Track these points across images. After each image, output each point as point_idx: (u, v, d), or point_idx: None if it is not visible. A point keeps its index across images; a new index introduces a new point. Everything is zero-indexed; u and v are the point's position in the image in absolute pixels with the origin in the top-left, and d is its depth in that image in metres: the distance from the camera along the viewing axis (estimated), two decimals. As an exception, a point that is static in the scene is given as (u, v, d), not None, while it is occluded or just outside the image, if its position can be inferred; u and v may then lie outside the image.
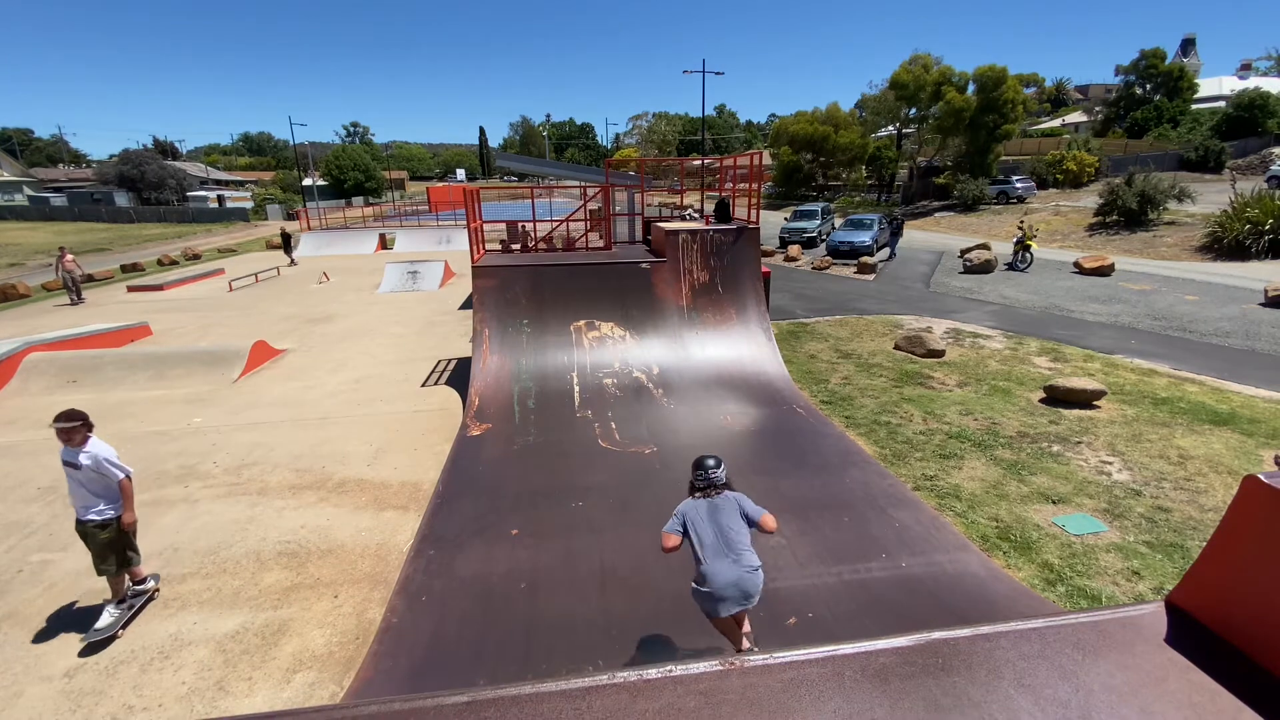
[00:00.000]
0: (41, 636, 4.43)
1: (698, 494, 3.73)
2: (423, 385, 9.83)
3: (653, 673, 2.43)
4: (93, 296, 19.45)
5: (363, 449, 7.46)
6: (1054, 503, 6.04)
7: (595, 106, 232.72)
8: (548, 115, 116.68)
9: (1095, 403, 8.40)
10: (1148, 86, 45.95)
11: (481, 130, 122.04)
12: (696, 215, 13.48)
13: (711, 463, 3.75)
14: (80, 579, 5.05)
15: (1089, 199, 29.60)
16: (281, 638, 4.38)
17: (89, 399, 9.37)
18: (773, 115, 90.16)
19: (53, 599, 4.84)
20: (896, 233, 23.76)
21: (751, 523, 3.64)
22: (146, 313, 15.36)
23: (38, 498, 6.41)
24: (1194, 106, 44.77)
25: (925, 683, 2.28)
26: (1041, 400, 8.64)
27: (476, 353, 8.99)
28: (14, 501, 6.35)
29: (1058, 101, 65.46)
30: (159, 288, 19.82)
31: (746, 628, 3.72)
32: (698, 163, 30.69)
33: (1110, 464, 6.82)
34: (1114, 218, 25.11)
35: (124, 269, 25.10)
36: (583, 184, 15.66)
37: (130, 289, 20.11)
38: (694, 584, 3.49)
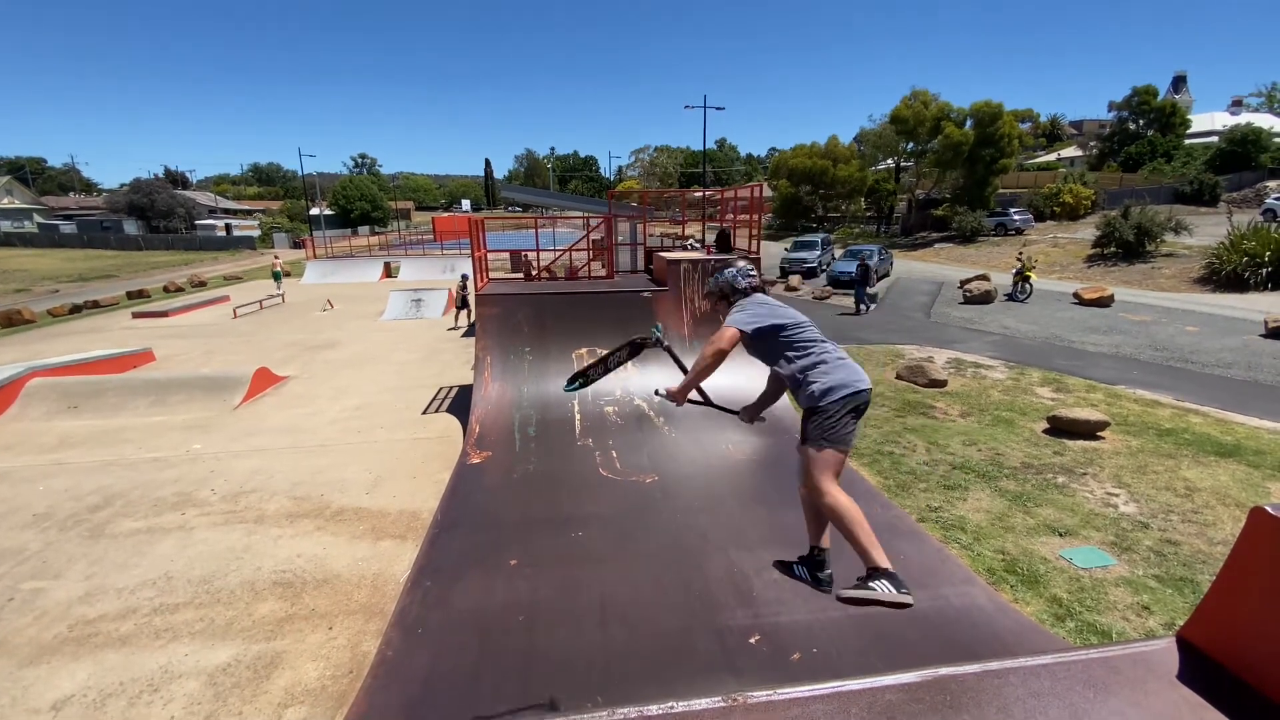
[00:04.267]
0: (30, 667, 4.34)
1: (751, 291, 3.27)
2: (424, 412, 9.82)
3: (654, 709, 2.36)
4: (98, 322, 19.58)
5: (362, 477, 7.41)
6: (1061, 535, 5.96)
7: (598, 140, 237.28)
8: (552, 148, 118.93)
9: (1099, 434, 8.35)
10: (1140, 122, 46.81)
11: (487, 162, 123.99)
12: (698, 245, 13.63)
13: (745, 264, 3.35)
14: (73, 608, 4.98)
15: (1086, 231, 29.91)
16: (274, 670, 4.29)
17: (89, 424, 9.36)
18: (773, 149, 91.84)
19: (43, 628, 4.75)
20: (863, 280, 19.05)
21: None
22: (151, 339, 15.44)
23: (32, 524, 6.35)
24: (1187, 141, 45.54)
25: (933, 721, 2.22)
26: (1045, 431, 8.60)
27: (478, 380, 9.00)
28: (8, 528, 6.29)
29: (1053, 136, 66.63)
30: (164, 314, 19.99)
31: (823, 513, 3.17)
32: (699, 194, 31.15)
33: (1116, 496, 6.75)
34: (1112, 249, 25.34)
35: (130, 295, 25.35)
36: (586, 214, 15.87)
37: (136, 315, 20.26)
38: (821, 376, 2.90)
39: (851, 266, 23.19)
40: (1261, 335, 14.10)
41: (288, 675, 4.24)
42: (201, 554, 5.75)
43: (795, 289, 23.32)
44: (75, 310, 21.96)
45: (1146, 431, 8.55)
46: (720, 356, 3.00)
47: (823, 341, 3.01)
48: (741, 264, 3.29)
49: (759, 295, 3.23)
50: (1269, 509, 2.27)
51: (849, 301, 20.66)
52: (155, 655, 4.45)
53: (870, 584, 2.87)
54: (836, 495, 2.98)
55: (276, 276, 25.82)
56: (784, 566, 3.41)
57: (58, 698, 4.06)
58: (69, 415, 9.67)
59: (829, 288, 22.34)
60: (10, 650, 4.51)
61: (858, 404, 2.88)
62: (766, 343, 3.04)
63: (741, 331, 2.99)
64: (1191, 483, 6.99)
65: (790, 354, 3.01)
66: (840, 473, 3.00)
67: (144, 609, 4.96)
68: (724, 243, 11.24)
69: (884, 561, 2.92)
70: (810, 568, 3.31)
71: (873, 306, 19.20)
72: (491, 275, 11.62)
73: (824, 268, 26.50)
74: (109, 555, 5.75)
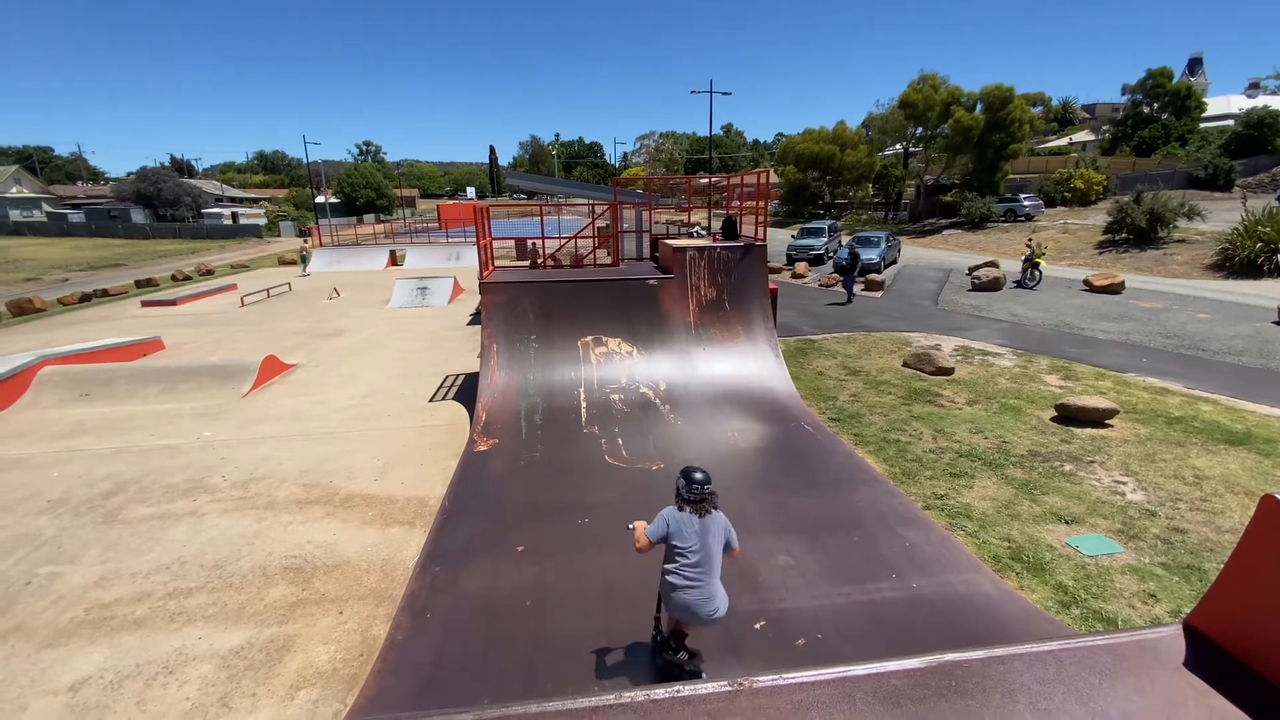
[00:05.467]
0: (48, 650, 4.43)
1: (687, 507, 3.68)
2: (430, 400, 9.86)
3: (660, 693, 2.39)
4: (107, 311, 19.72)
5: (370, 464, 7.47)
6: (1067, 523, 5.95)
7: (603, 126, 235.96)
8: (556, 134, 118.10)
9: (1108, 421, 8.31)
10: (1155, 105, 45.94)
11: (491, 149, 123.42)
12: (704, 233, 13.56)
13: (701, 476, 3.71)
14: (88, 591, 5.06)
15: (1097, 217, 29.55)
16: (286, 654, 4.36)
17: (101, 412, 9.46)
18: (779, 134, 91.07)
19: (60, 611, 4.84)
20: (851, 268, 18.44)
21: (729, 549, 3.73)
22: (160, 327, 15.55)
23: (47, 510, 6.45)
24: (1202, 125, 44.71)
25: (939, 706, 2.23)
26: (1053, 419, 8.56)
27: (484, 368, 9.02)
28: (24, 514, 6.39)
29: (1064, 120, 65.62)
30: (172, 302, 20.08)
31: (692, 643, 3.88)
32: (705, 181, 30.94)
33: (1124, 484, 6.72)
34: (1123, 235, 25.04)
35: (138, 284, 25.44)
36: (591, 202, 15.80)
37: (144, 304, 20.38)
38: (670, 591, 3.58)
39: (862, 254, 23.03)
40: (1274, 322, 13.95)
41: (299, 658, 4.31)
42: (213, 539, 5.83)
43: (802, 276, 23.19)
44: (85, 299, 22.07)
45: (1155, 419, 8.49)
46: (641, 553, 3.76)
47: (694, 565, 3.56)
48: (696, 476, 3.73)
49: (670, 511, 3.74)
50: None
51: (856, 288, 20.50)
52: (170, 638, 4.53)
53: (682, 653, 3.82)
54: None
55: (304, 259, 29.00)
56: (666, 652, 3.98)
57: (75, 679, 4.14)
58: (81, 403, 9.78)
59: (835, 275, 22.18)
60: (28, 633, 4.60)
61: (674, 610, 3.64)
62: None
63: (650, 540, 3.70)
64: (1200, 471, 6.96)
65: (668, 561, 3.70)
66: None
67: (158, 593, 5.05)
68: (730, 230, 11.17)
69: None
70: (671, 649, 3.95)
71: (847, 302, 18.18)
72: (497, 263, 11.61)
73: (830, 255, 26.32)
74: (123, 540, 5.84)
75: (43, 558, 5.58)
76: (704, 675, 3.76)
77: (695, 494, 3.66)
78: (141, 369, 10.83)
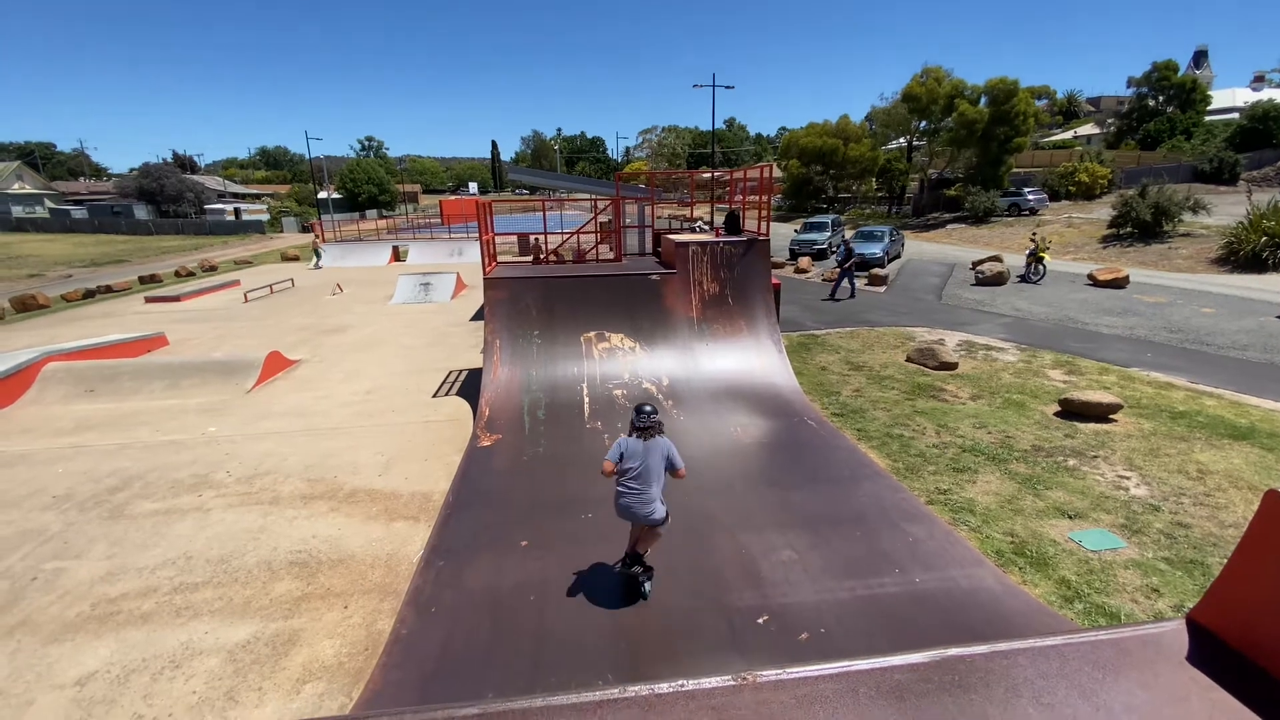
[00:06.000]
0: (54, 645, 4.46)
1: (636, 433, 4.55)
2: (434, 396, 9.88)
3: (664, 687, 2.40)
4: (111, 307, 19.77)
5: (374, 459, 7.49)
6: (1070, 518, 5.94)
7: (606, 121, 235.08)
8: (559, 129, 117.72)
9: (1111, 416, 8.29)
10: (1160, 98, 45.65)
11: (494, 144, 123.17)
12: (706, 227, 13.53)
13: (649, 409, 4.60)
14: (95, 586, 5.10)
15: (1102, 211, 29.41)
16: (292, 648, 4.38)
17: (106, 408, 9.50)
18: (782, 128, 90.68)
19: (66, 606, 4.87)
20: (845, 265, 17.71)
21: (671, 468, 4.54)
22: (163, 323, 15.59)
23: (53, 505, 6.48)
24: (1207, 118, 44.43)
25: (942, 700, 2.23)
26: (1056, 413, 8.54)
27: (487, 364, 9.03)
28: (29, 509, 6.43)
29: (1069, 113, 65.17)
30: (176, 299, 20.13)
31: (646, 545, 4.73)
32: (707, 175, 30.85)
33: (1128, 479, 6.71)
34: (1128, 230, 24.91)
35: (142, 280, 25.52)
36: (593, 197, 15.76)
37: (148, 300, 20.43)
38: (618, 499, 4.51)
39: (864, 248, 22.97)
40: (1278, 316, 13.88)
41: (305, 652, 4.34)
42: (219, 534, 5.86)
43: (805, 271, 23.13)
44: (88, 295, 22.14)
45: (1159, 414, 8.47)
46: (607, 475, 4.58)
47: (634, 477, 4.47)
48: (644, 409, 4.62)
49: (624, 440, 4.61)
50: (1284, 492, 2.26)
51: (858, 283, 20.42)
52: (176, 632, 4.56)
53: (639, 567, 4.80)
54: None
55: (317, 253, 29.55)
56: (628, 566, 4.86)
57: (82, 674, 4.17)
58: (85, 399, 9.82)
59: (838, 268, 22.11)
60: (34, 628, 4.63)
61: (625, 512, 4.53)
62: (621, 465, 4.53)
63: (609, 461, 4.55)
64: (1204, 466, 6.94)
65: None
66: (632, 532, 4.76)
67: (164, 588, 5.08)
68: (733, 224, 11.15)
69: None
70: (626, 564, 4.86)
71: (830, 299, 17.69)
72: (500, 259, 11.60)
73: (834, 249, 26.24)
74: (129, 536, 5.87)
75: (48, 553, 5.62)
76: (648, 590, 4.78)
77: (642, 423, 4.54)
78: (146, 365, 10.87)
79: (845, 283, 17.98)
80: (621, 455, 4.51)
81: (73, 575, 5.27)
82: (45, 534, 5.94)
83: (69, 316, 18.29)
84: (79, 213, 58.28)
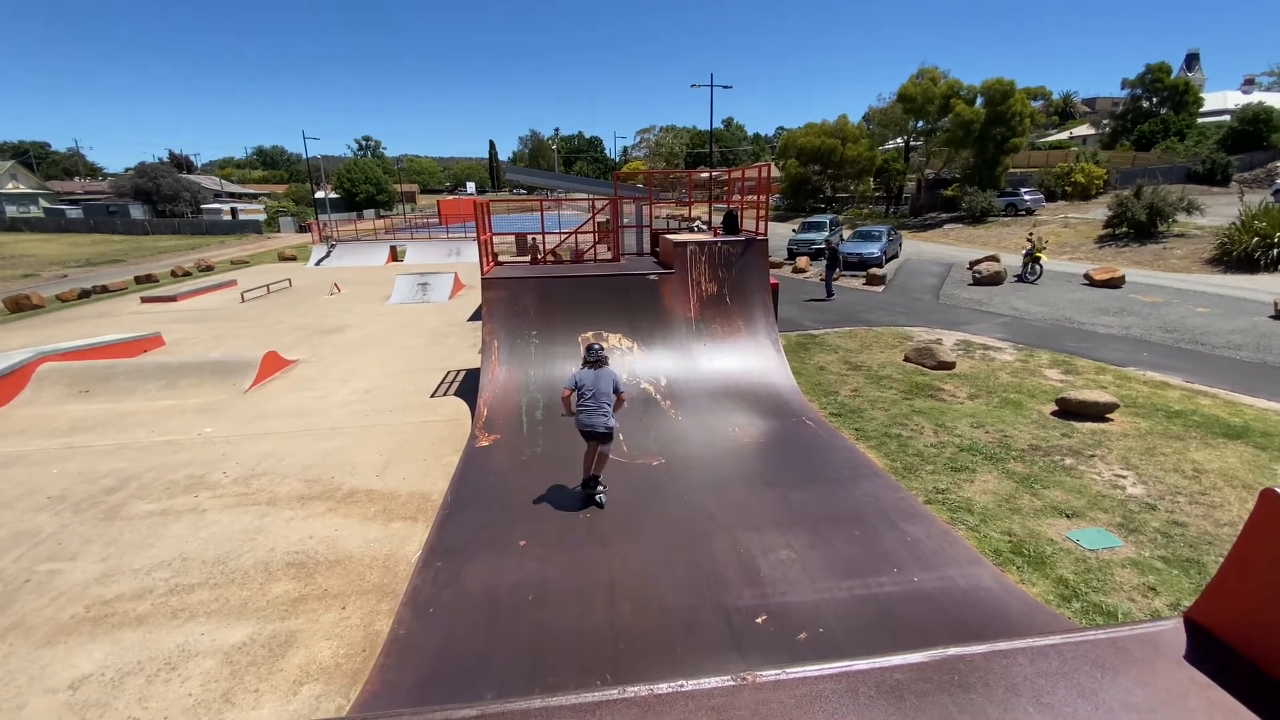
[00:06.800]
0: (47, 647, 4.43)
1: (588, 365, 5.96)
2: (432, 396, 9.86)
3: (664, 688, 2.39)
4: (107, 307, 19.69)
5: (372, 459, 7.47)
6: (1068, 517, 5.96)
7: (603, 120, 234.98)
8: (556, 129, 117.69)
9: (1108, 415, 8.31)
10: (1154, 100, 45.87)
11: (491, 144, 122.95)
12: (704, 227, 13.53)
13: (598, 346, 6.06)
14: (89, 588, 5.07)
15: (1098, 211, 29.51)
16: (289, 649, 4.37)
17: (101, 408, 9.45)
18: (780, 128, 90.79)
19: (60, 608, 4.84)
20: (832, 264, 17.99)
21: (616, 390, 5.89)
22: (160, 323, 15.53)
23: (47, 506, 6.45)
24: (1199, 120, 44.66)
25: (941, 700, 2.23)
26: (1053, 413, 8.56)
27: (485, 364, 9.02)
28: (23, 510, 6.39)
29: (1065, 114, 65.42)
30: (172, 299, 20.06)
31: (600, 467, 6.13)
32: (705, 175, 30.85)
33: (1124, 478, 6.74)
34: (1123, 230, 25.02)
35: (138, 280, 25.43)
36: (591, 196, 15.75)
37: (144, 300, 20.36)
38: (578, 415, 5.84)
39: (861, 248, 23.03)
40: (1271, 317, 13.94)
41: (302, 654, 4.32)
42: (215, 535, 5.84)
43: (803, 270, 23.15)
44: (84, 295, 22.04)
45: (1155, 413, 8.50)
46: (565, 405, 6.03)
47: (590, 398, 5.82)
48: (594, 347, 6.10)
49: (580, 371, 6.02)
50: (1282, 491, 2.26)
51: (856, 283, 20.49)
52: (172, 634, 4.53)
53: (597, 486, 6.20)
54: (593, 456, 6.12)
55: (329, 245, 31.65)
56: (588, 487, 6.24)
57: (75, 677, 4.15)
58: (81, 399, 9.77)
59: (837, 269, 22.14)
60: (28, 631, 4.60)
61: (582, 430, 5.90)
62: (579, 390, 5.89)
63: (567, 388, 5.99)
64: (1200, 465, 6.97)
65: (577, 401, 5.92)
66: (589, 449, 6.06)
67: (160, 589, 5.05)
68: (731, 224, 11.14)
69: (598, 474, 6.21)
70: (586, 485, 6.25)
71: (834, 297, 17.72)
72: (498, 259, 11.59)
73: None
74: (124, 537, 5.84)
75: (43, 554, 5.59)
76: (603, 500, 6.13)
77: (592, 356, 6.00)
78: (142, 365, 10.82)
79: (829, 284, 17.93)
80: (577, 383, 5.85)
81: (67, 577, 5.24)
82: (39, 535, 5.90)
83: (64, 317, 18.21)
84: (74, 212, 58.04)
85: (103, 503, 6.51)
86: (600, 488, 6.18)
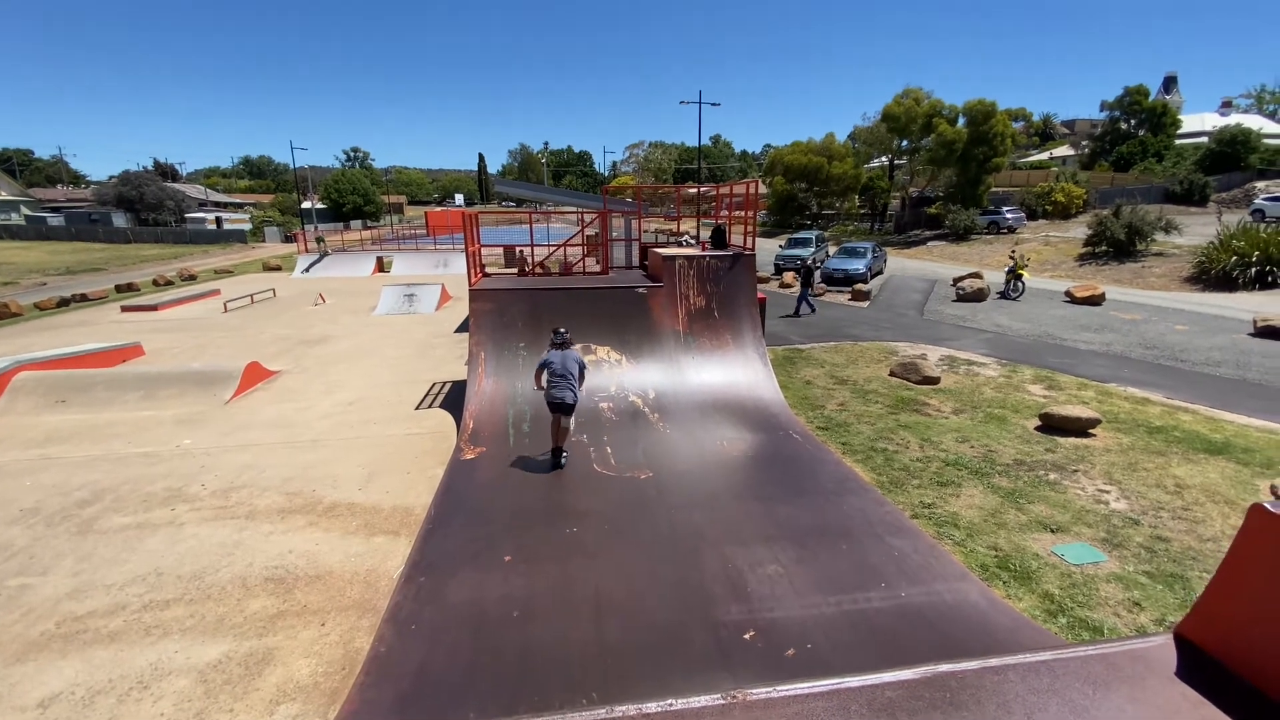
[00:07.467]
0: (16, 665, 4.28)
1: (554, 348, 7.05)
2: (417, 408, 9.75)
3: (652, 707, 2.35)
4: (86, 316, 19.35)
5: (355, 472, 7.35)
6: (1053, 531, 5.99)
7: (593, 135, 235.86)
8: (546, 143, 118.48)
9: (1090, 431, 8.40)
10: (1132, 122, 47.11)
11: (480, 157, 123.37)
12: (693, 241, 13.61)
13: (563, 330, 7.21)
14: (60, 604, 4.91)
15: (1078, 230, 30.10)
16: (265, 667, 4.25)
17: (78, 419, 9.24)
18: (767, 145, 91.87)
19: (30, 625, 4.69)
20: (806, 281, 18.02)
21: (581, 368, 7.05)
22: (140, 333, 15.27)
23: (20, 519, 6.26)
24: (1177, 141, 45.88)
25: (933, 717, 2.21)
26: (1037, 428, 8.64)
27: (472, 376, 8.95)
28: (-6, 523, 6.20)
29: (1045, 135, 66.90)
30: (153, 308, 19.73)
31: (563, 439, 7.19)
32: (694, 190, 31.11)
33: (1108, 492, 6.79)
34: (1103, 248, 25.54)
35: (119, 289, 25.01)
36: (580, 210, 15.79)
37: (124, 309, 20.01)
38: (548, 390, 6.88)
39: (847, 264, 23.29)
40: (1249, 334, 14.24)
41: (279, 672, 4.20)
42: (192, 550, 5.69)
43: (789, 285, 23.30)
44: (63, 303, 21.61)
45: (1137, 429, 8.61)
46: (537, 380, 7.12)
47: (559, 375, 6.89)
48: (559, 330, 7.26)
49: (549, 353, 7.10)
50: (1268, 506, 2.28)
51: (841, 298, 20.68)
52: (145, 652, 4.40)
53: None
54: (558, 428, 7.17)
55: (320, 240, 33.98)
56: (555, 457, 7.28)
57: (45, 695, 4.00)
58: (57, 410, 9.55)
59: (823, 284, 22.37)
60: (-4, 647, 4.44)
61: (550, 403, 6.98)
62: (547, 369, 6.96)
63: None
64: (1181, 480, 7.05)
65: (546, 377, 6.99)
66: (554, 420, 7.12)
67: (133, 605, 4.91)
68: (719, 239, 11.21)
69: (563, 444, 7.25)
70: (555, 454, 7.24)
71: (811, 312, 17.72)
72: (486, 270, 11.55)
73: (818, 265, 26.54)
74: (98, 551, 5.68)
75: (13, 569, 5.41)
76: (564, 462, 7.20)
77: (558, 340, 7.10)
78: (120, 375, 10.60)
79: (803, 301, 17.95)
80: (547, 362, 6.90)
81: (38, 592, 5.08)
82: (10, 549, 5.72)
83: (42, 325, 17.86)
84: (55, 220, 57.25)
85: (77, 516, 6.34)
86: (564, 453, 7.23)
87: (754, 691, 2.22)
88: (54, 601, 4.95)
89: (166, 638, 4.54)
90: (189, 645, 4.46)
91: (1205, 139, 44.32)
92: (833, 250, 29.04)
